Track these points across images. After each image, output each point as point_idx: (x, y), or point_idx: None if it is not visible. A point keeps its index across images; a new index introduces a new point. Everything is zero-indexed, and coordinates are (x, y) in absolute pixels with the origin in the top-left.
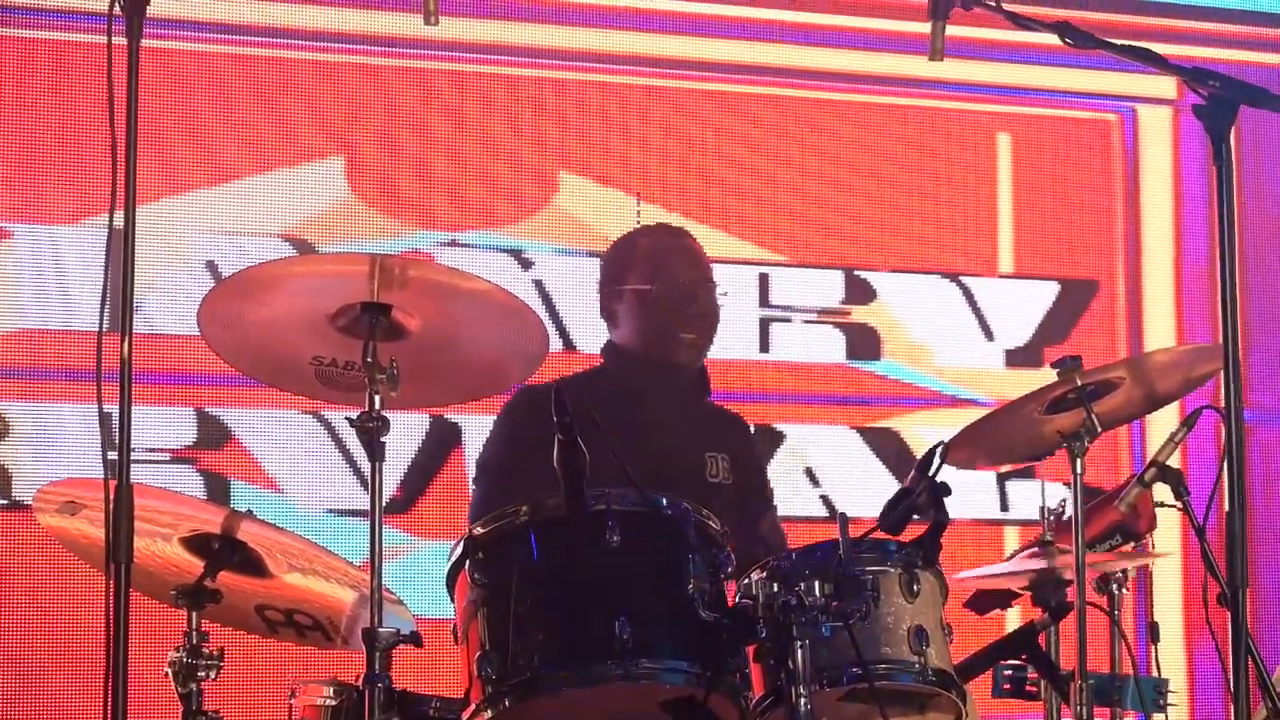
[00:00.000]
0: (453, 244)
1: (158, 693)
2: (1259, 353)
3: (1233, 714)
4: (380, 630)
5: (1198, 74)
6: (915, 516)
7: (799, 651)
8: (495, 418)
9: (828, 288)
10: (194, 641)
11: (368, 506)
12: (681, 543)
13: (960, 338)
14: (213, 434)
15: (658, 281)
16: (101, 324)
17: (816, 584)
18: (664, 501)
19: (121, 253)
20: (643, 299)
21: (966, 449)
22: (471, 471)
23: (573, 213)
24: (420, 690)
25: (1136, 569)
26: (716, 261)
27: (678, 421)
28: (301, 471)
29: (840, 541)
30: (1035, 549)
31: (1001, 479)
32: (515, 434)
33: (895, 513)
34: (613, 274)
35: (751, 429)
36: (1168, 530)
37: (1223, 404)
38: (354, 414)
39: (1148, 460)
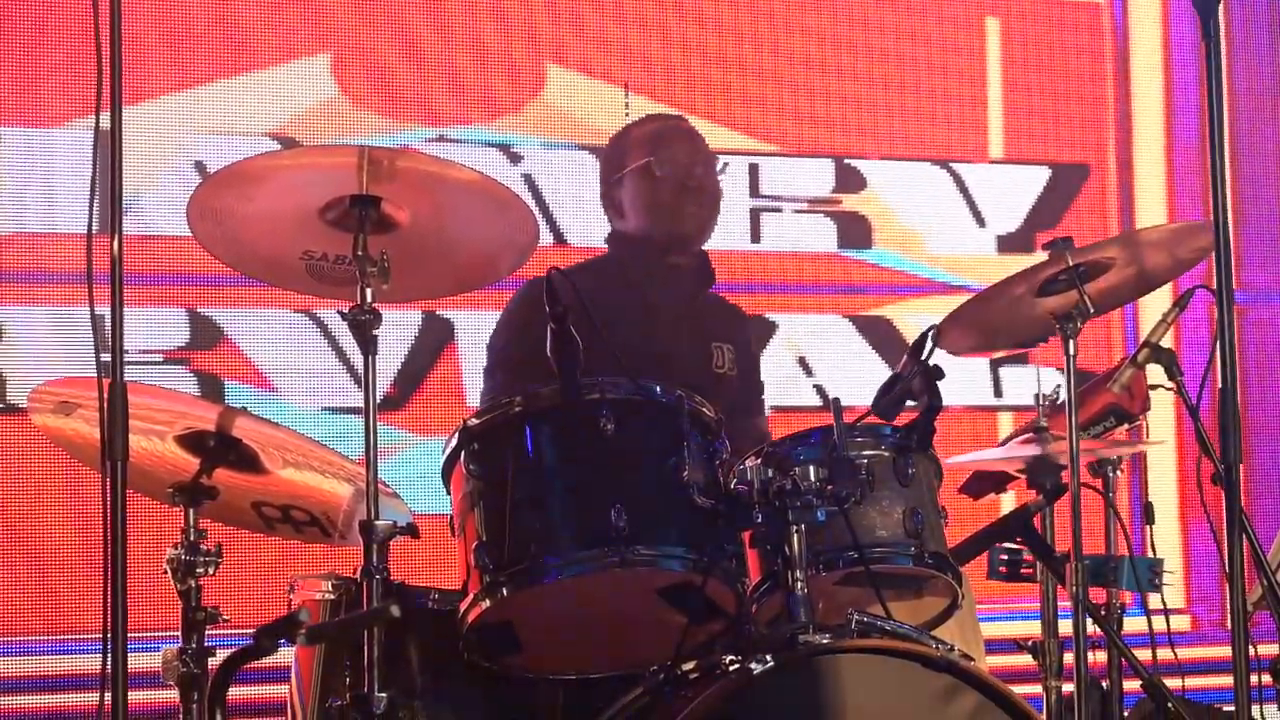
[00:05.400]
0: (440, 140)
1: (157, 590)
2: (1250, 232)
3: (1228, 592)
4: (377, 522)
5: None
6: (909, 401)
7: (795, 536)
8: (503, 310)
9: (818, 177)
10: (191, 539)
11: (362, 404)
12: (676, 430)
13: (952, 224)
14: (205, 334)
15: (657, 158)
16: (91, 225)
17: (811, 469)
18: (658, 389)
19: (109, 153)
20: (644, 177)
21: (959, 333)
22: (465, 367)
23: (561, 106)
24: (418, 583)
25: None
26: None
27: (682, 311)
28: (295, 370)
29: (834, 426)
30: (1030, 434)
31: (995, 365)
32: (523, 326)
33: (889, 397)
34: (612, 162)
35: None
36: (1162, 411)
37: (1214, 283)
38: (346, 309)
39: (1140, 341)
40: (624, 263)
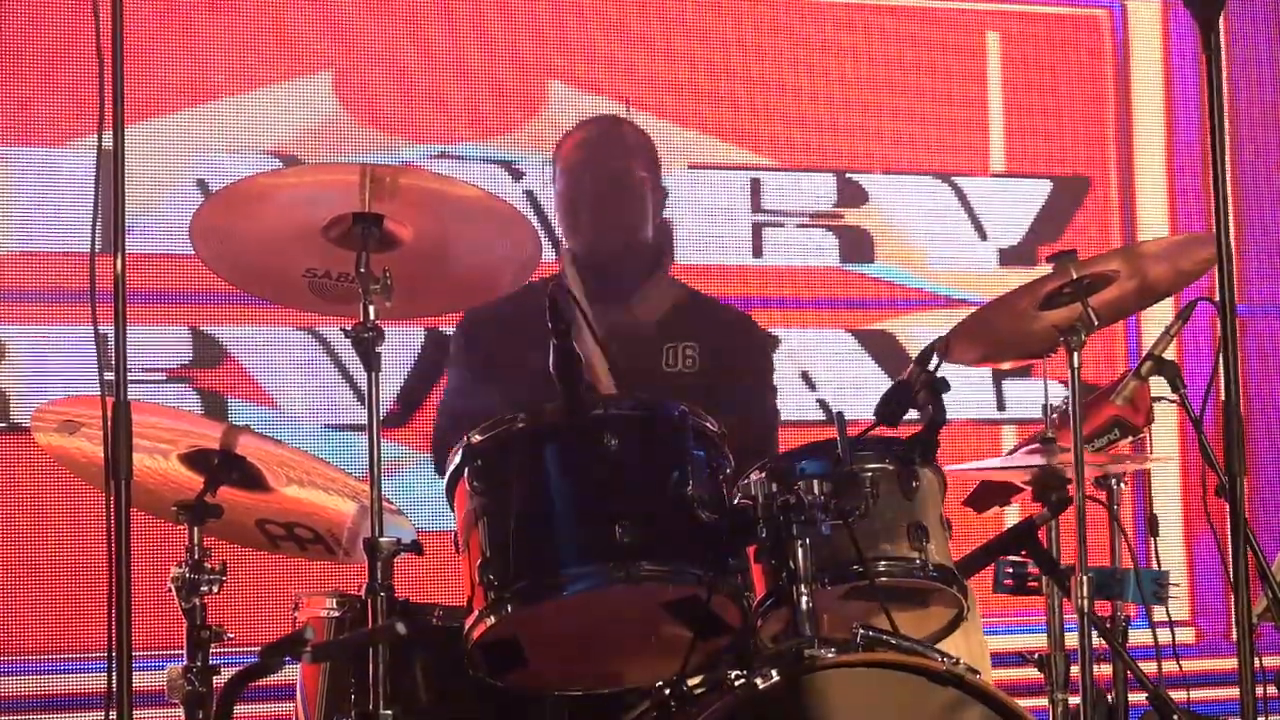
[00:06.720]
0: (443, 156)
1: (162, 609)
2: (1253, 245)
3: (1233, 605)
4: (381, 539)
5: None
6: (913, 412)
7: (799, 551)
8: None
9: (820, 191)
10: (196, 557)
11: (365, 421)
12: (680, 445)
13: (953, 238)
14: (208, 352)
15: (566, 184)
16: (94, 244)
17: (815, 483)
18: (662, 404)
19: (112, 172)
20: (560, 202)
21: (965, 345)
22: None
23: (563, 122)
24: (423, 600)
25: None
26: (708, 167)
27: (627, 316)
28: (298, 388)
29: (838, 439)
30: (1036, 445)
31: (998, 378)
32: (455, 369)
33: (893, 405)
34: (552, 175)
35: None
36: (1165, 424)
37: (1217, 295)
38: (349, 326)
39: (1143, 354)
40: (570, 275)
